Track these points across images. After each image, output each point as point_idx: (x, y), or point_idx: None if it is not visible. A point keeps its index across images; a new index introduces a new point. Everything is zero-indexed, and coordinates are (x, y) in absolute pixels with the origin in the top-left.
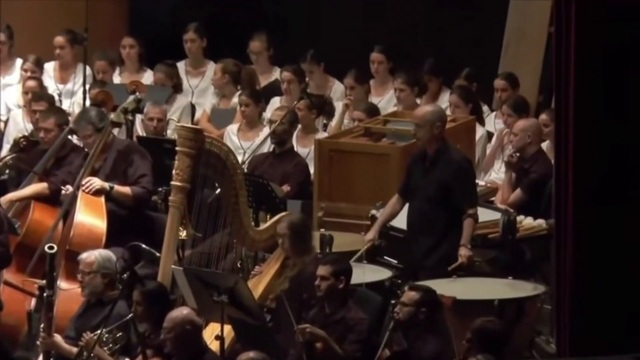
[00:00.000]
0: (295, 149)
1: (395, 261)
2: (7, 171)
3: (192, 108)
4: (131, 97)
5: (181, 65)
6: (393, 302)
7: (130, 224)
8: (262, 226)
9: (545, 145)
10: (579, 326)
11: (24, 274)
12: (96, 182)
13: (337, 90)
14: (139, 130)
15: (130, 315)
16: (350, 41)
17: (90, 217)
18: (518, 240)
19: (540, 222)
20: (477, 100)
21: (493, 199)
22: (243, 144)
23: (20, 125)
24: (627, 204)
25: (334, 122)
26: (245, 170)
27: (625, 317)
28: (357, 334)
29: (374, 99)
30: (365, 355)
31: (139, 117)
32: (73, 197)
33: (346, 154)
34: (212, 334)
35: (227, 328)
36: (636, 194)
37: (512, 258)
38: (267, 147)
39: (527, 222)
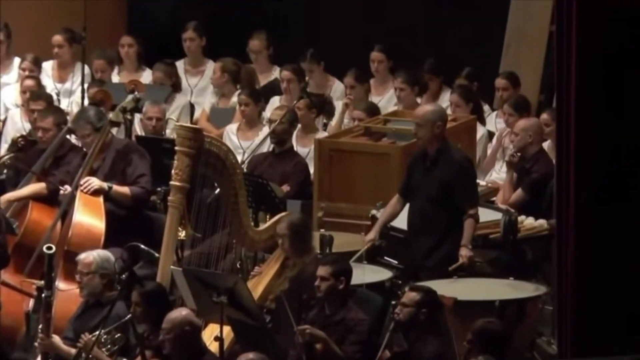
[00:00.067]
0: (295, 148)
1: (396, 262)
2: (5, 171)
3: (191, 107)
4: (130, 97)
5: (180, 64)
6: (393, 302)
7: (129, 224)
8: (262, 226)
9: (546, 144)
10: (581, 327)
11: (22, 274)
12: (95, 182)
13: (337, 90)
14: (138, 129)
15: (129, 316)
16: (350, 40)
17: (88, 217)
18: (519, 241)
19: (542, 222)
20: (478, 99)
21: (494, 199)
22: (242, 143)
23: (18, 124)
24: (629, 203)
25: (334, 122)
26: (245, 170)
27: (627, 317)
28: (357, 335)
29: (374, 99)
30: (365, 357)
31: (137, 117)
32: (71, 197)
33: (346, 154)
34: (211, 335)
35: (227, 329)
36: (638, 194)
37: (513, 258)
38: (267, 146)
39: (528, 222)
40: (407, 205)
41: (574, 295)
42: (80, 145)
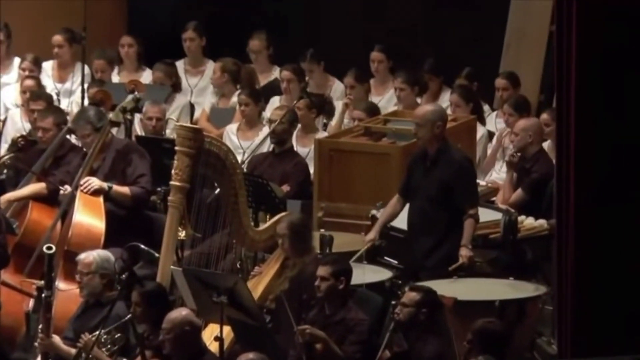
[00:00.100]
0: (295, 148)
1: (396, 261)
2: (5, 171)
3: (191, 107)
4: (130, 97)
5: (180, 64)
6: (393, 302)
7: (129, 224)
8: (262, 226)
9: (546, 144)
10: (581, 327)
11: (22, 274)
12: (95, 182)
13: (337, 90)
14: (138, 129)
15: (129, 316)
16: (350, 40)
17: (88, 217)
18: (519, 241)
19: (542, 222)
20: (478, 99)
21: (494, 199)
22: (242, 143)
23: (18, 124)
24: (629, 203)
25: (333, 122)
26: (245, 170)
27: (627, 317)
28: (357, 335)
29: (374, 98)
30: (365, 357)
31: (137, 117)
32: (71, 197)
33: (346, 154)
34: (211, 335)
35: (227, 329)
36: (638, 194)
37: (513, 258)
38: (267, 146)
39: (528, 222)
40: (407, 205)
41: (574, 295)
42: (80, 145)
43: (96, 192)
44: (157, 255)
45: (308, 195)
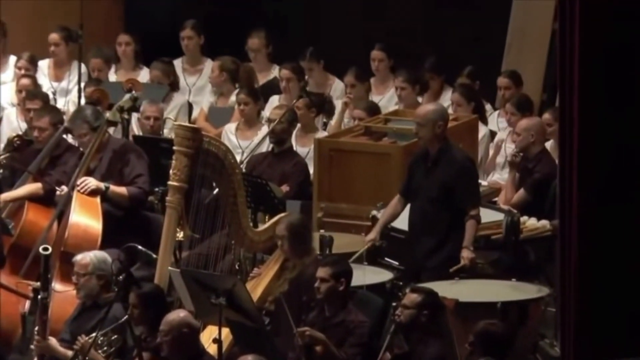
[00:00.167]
0: (295, 148)
1: (397, 263)
2: (0, 171)
3: (189, 106)
4: (127, 96)
5: (178, 63)
6: (394, 304)
7: (127, 224)
8: (261, 227)
9: (549, 144)
10: (584, 329)
11: (18, 275)
12: (91, 182)
13: (337, 89)
14: (135, 129)
15: (126, 318)
16: (350, 39)
17: (85, 217)
18: (522, 242)
19: (544, 222)
20: (480, 98)
21: (496, 199)
22: (241, 143)
23: (14, 124)
24: (633, 204)
25: (333, 121)
26: (244, 170)
27: (631, 319)
28: (357, 337)
29: (374, 98)
30: (365, 359)
31: (135, 116)
32: (68, 198)
33: (346, 154)
34: (209, 337)
35: (225, 331)
36: None
37: (515, 260)
38: (266, 146)
39: (530, 222)
40: (408, 206)
41: (577, 296)
42: (76, 144)
43: (93, 193)
44: (154, 256)
45: (308, 195)
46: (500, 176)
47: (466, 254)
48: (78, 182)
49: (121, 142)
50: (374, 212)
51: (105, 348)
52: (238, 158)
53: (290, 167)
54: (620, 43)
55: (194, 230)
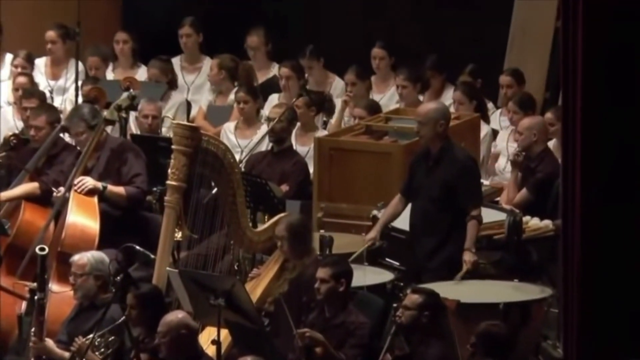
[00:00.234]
0: (294, 147)
1: (397, 263)
2: None
3: (188, 105)
4: (125, 94)
5: (176, 61)
6: (395, 305)
7: (124, 224)
8: (260, 227)
9: (551, 143)
10: (587, 330)
11: (15, 276)
12: (89, 182)
13: (337, 87)
14: (133, 128)
15: (123, 319)
16: (351, 37)
17: (82, 217)
18: (524, 242)
19: (547, 222)
20: (482, 97)
21: (498, 199)
22: (240, 142)
23: (10, 122)
24: (636, 203)
25: (333, 120)
26: (243, 169)
27: (635, 320)
28: (357, 339)
29: (375, 96)
30: None
31: (133, 115)
32: (65, 199)
33: (347, 153)
34: (208, 339)
35: (224, 332)
36: None
37: (517, 260)
38: (265, 145)
39: (533, 222)
40: (409, 206)
41: (580, 297)
42: (74, 143)
43: (90, 192)
44: (152, 256)
45: (307, 195)
46: (502, 175)
47: (468, 257)
48: (75, 182)
49: (119, 141)
50: (375, 212)
51: (102, 349)
52: (237, 157)
53: (289, 166)
54: (624, 41)
55: (192, 230)
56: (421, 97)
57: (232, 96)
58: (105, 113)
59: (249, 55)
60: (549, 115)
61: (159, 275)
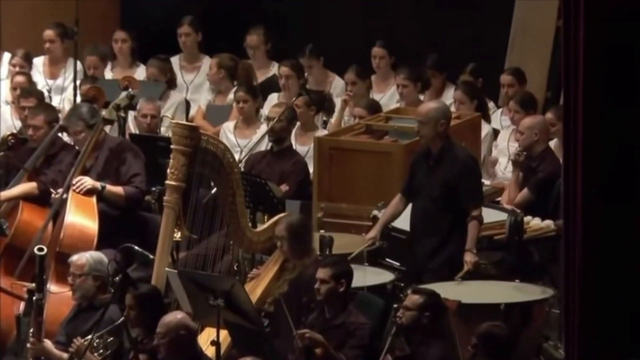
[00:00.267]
0: (294, 147)
1: (398, 263)
2: None
3: (187, 104)
4: (124, 93)
5: (175, 60)
6: (395, 306)
7: (123, 225)
8: (260, 227)
9: (552, 143)
10: (589, 331)
11: (13, 276)
12: (87, 182)
13: (337, 86)
14: (132, 127)
15: (122, 320)
16: (351, 35)
17: (81, 217)
18: (525, 242)
19: (549, 222)
20: (483, 96)
21: (499, 199)
22: (240, 141)
23: (8, 122)
24: (638, 203)
25: (333, 119)
26: (242, 169)
27: (637, 321)
28: (358, 339)
29: (375, 95)
30: None
31: (131, 114)
32: (63, 200)
33: (347, 152)
34: (207, 339)
35: (224, 333)
36: None
37: (519, 260)
38: (265, 145)
39: (534, 222)
40: (410, 206)
41: (581, 298)
42: (72, 143)
43: (89, 192)
44: (151, 257)
45: (307, 195)
46: (503, 175)
47: (469, 258)
48: (74, 182)
49: (117, 141)
50: (375, 212)
51: (101, 350)
52: (236, 157)
53: (289, 166)
54: (626, 41)
55: (191, 231)
56: (422, 97)
57: (231, 95)
58: (103, 112)
59: (249, 54)
60: (549, 115)
61: (158, 276)
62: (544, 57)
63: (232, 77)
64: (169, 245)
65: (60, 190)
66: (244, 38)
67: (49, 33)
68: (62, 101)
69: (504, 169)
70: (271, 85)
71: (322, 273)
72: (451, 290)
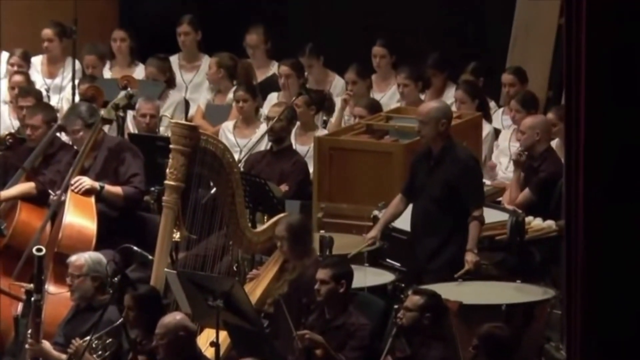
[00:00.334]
0: (294, 146)
1: (398, 264)
2: None
3: (186, 104)
4: (122, 93)
5: (174, 59)
6: (396, 307)
7: (122, 225)
8: (260, 228)
9: (554, 143)
10: (591, 332)
11: (11, 277)
12: (86, 182)
13: (337, 85)
14: (131, 127)
15: (121, 321)
16: (351, 34)
17: (79, 218)
18: (527, 242)
19: (550, 223)
20: (484, 95)
21: (500, 199)
22: (239, 141)
23: (6, 122)
24: None
25: (334, 119)
26: (242, 169)
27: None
28: (358, 341)
29: (375, 95)
30: None
31: (130, 114)
32: (62, 200)
33: (347, 152)
34: (207, 341)
35: (223, 334)
36: None
37: (520, 261)
38: (265, 144)
39: (536, 223)
40: (410, 206)
41: (583, 298)
42: (70, 143)
43: (87, 192)
44: (150, 257)
45: (307, 195)
46: (504, 175)
47: (470, 257)
48: (72, 182)
49: (116, 141)
50: (376, 212)
51: (100, 352)
52: (236, 157)
53: (289, 166)
54: (629, 40)
55: (191, 231)
56: (422, 96)
57: (230, 95)
58: (102, 112)
59: (248, 53)
60: (550, 115)
61: (157, 277)
62: (545, 56)
63: (231, 76)
64: (168, 245)
65: (59, 192)
66: (244, 37)
67: (47, 32)
68: (61, 100)
69: (505, 169)
70: (271, 84)
71: (322, 274)
72: (452, 291)
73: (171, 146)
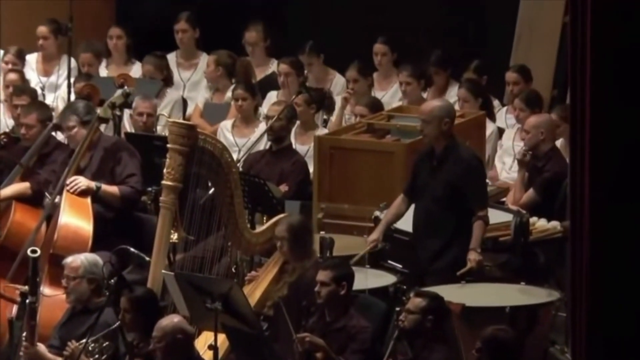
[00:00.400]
0: (294, 146)
1: (400, 266)
2: None
3: (184, 102)
4: (119, 91)
5: (172, 57)
6: (398, 309)
7: (118, 226)
8: (259, 228)
9: (559, 142)
10: (595, 335)
11: (5, 279)
12: (82, 182)
13: (337, 84)
14: (127, 126)
15: (117, 324)
16: (352, 32)
17: (75, 219)
18: (531, 244)
19: (555, 224)
20: (487, 94)
21: (504, 199)
22: (238, 141)
23: (0, 120)
24: None
25: (334, 118)
26: (241, 168)
27: None
28: (359, 343)
29: (377, 93)
30: None
31: (127, 113)
32: (57, 202)
33: (348, 152)
34: (205, 344)
35: (221, 337)
36: None
37: (524, 262)
38: (264, 144)
39: (540, 224)
40: (412, 207)
41: (588, 300)
42: (66, 142)
43: (83, 193)
44: (147, 259)
45: (307, 195)
46: (508, 175)
47: (473, 256)
48: (68, 182)
49: (113, 140)
50: (377, 213)
51: (96, 355)
52: (235, 156)
53: (289, 165)
54: (634, 38)
55: (188, 232)
56: (425, 95)
57: (229, 93)
58: (98, 111)
59: (247, 51)
60: (553, 115)
61: (154, 278)
62: (550, 54)
63: (230, 74)
64: (165, 247)
65: (53, 195)
66: (243, 34)
67: (42, 29)
68: (56, 99)
69: (509, 169)
70: (270, 82)
71: (322, 275)
72: (455, 293)
73: (169, 145)
